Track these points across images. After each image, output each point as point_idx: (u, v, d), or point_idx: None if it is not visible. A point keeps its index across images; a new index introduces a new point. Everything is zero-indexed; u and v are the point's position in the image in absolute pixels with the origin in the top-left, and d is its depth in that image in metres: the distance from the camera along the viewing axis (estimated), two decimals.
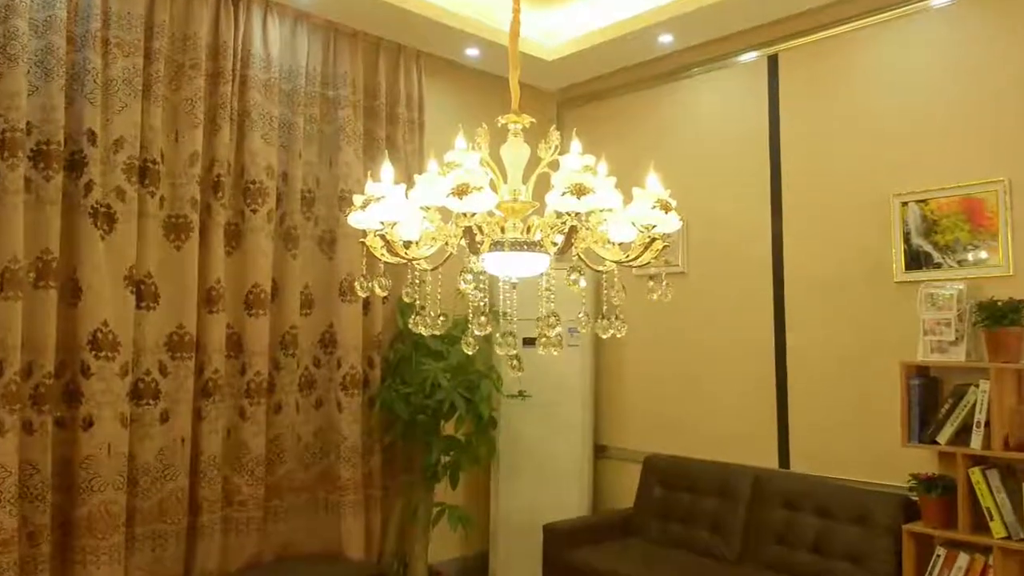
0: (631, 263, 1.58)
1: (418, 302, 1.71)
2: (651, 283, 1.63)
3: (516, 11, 1.80)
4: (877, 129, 3.27)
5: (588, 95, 4.41)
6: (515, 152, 1.67)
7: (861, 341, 3.25)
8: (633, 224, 1.53)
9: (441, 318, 1.67)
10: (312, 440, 3.50)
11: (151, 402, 2.98)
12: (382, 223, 1.53)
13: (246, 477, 3.22)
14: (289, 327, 3.38)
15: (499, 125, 1.70)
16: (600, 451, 4.17)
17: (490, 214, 1.58)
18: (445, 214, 1.55)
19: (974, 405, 2.73)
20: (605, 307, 1.63)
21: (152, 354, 3.00)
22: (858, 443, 3.24)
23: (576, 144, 1.57)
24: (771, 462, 3.52)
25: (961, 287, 2.86)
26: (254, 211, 3.27)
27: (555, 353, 1.56)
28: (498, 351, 1.53)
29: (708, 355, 3.79)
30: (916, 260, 3.09)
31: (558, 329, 1.53)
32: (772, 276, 3.58)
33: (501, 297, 1.68)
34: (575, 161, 1.53)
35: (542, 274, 1.63)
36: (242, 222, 3.28)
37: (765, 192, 3.61)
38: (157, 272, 3.02)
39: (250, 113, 3.28)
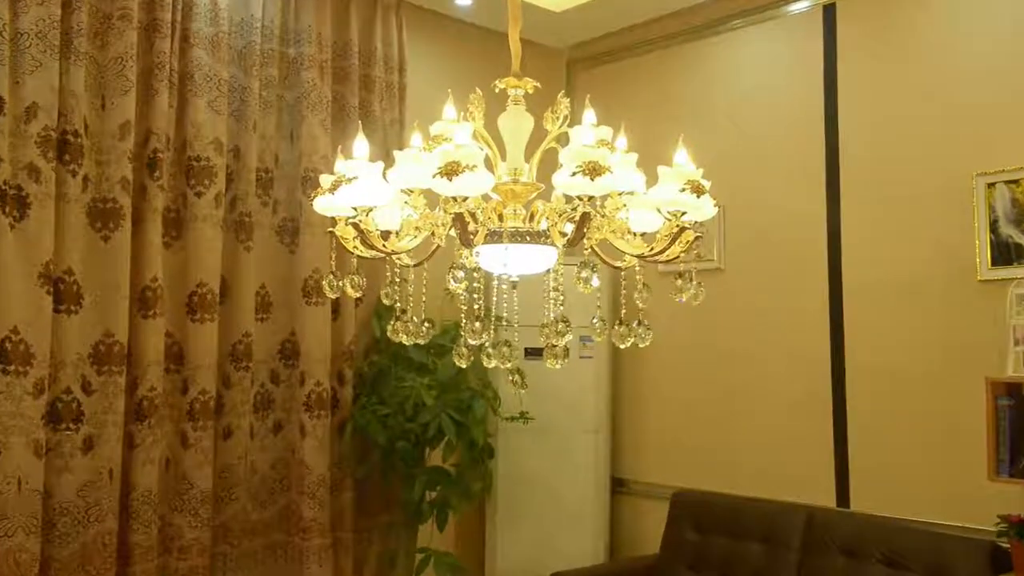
0: (656, 257, 1.59)
1: (399, 305, 1.72)
2: (679, 282, 1.63)
3: None
4: (958, 95, 3.24)
5: (604, 54, 4.40)
6: (516, 123, 1.68)
7: (936, 353, 3.25)
8: (658, 210, 1.54)
9: (426, 324, 1.69)
10: (269, 472, 3.51)
11: (72, 426, 2.96)
12: (355, 209, 1.53)
13: (188, 518, 3.20)
14: (242, 335, 3.39)
15: (496, 91, 1.70)
16: (619, 486, 4.19)
17: (485, 198, 1.59)
18: (431, 198, 1.55)
19: None
20: (624, 311, 1.64)
21: (74, 368, 2.98)
22: (934, 477, 3.23)
23: (590, 113, 1.57)
24: (827, 499, 3.51)
25: None
26: (199, 194, 3.26)
27: (560, 367, 1.57)
28: (495, 364, 1.55)
29: (749, 369, 3.80)
30: (1005, 254, 3.07)
31: (568, 338, 1.53)
32: (828, 274, 3.57)
33: (498, 299, 1.70)
34: (588, 134, 1.53)
35: (548, 271, 1.64)
36: (184, 208, 3.27)
37: (819, 172, 3.61)
38: (80, 268, 3.00)
39: (193, 75, 3.26)
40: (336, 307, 3.63)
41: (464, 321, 1.58)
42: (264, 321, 3.50)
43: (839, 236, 3.54)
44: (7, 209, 2.81)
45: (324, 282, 1.71)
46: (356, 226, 1.55)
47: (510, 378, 1.62)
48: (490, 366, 1.55)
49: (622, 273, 1.67)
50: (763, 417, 3.72)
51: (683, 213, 1.51)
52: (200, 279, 3.25)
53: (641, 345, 1.62)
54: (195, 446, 3.22)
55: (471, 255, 1.60)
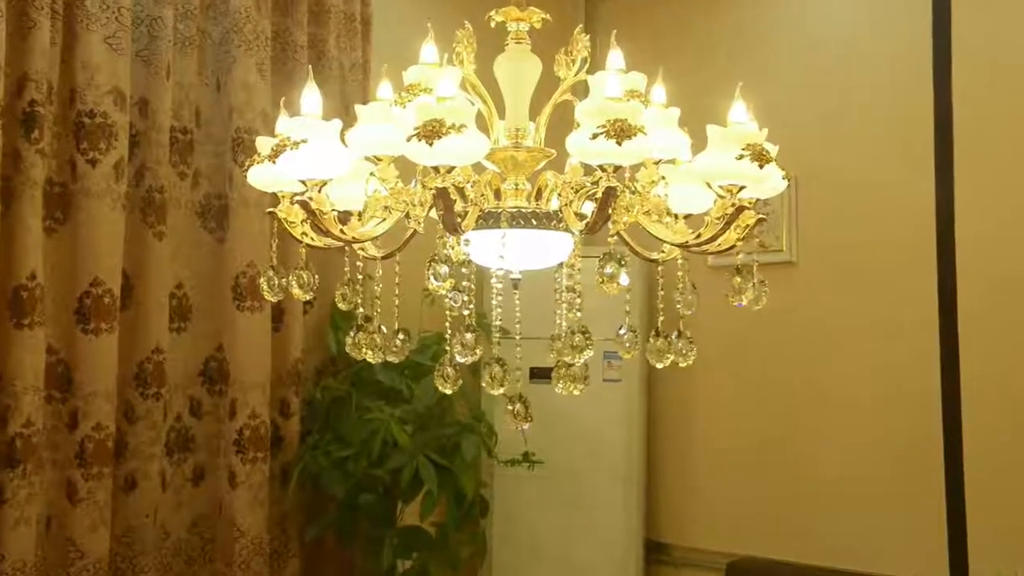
0: (705, 247, 1.59)
1: (361, 310, 1.73)
2: (737, 280, 1.63)
3: None
4: None
5: None
6: (518, 68, 1.69)
7: None
8: (708, 184, 1.54)
9: (399, 337, 1.71)
10: (187, 536, 3.48)
11: None
12: (303, 183, 1.54)
13: None
14: (151, 350, 3.37)
15: (492, 25, 1.72)
16: (656, 552, 4.22)
17: (478, 169, 1.60)
18: (405, 169, 1.57)
19: None
20: (662, 319, 1.65)
21: None
22: None
23: (616, 55, 1.57)
24: (937, 569, 3.50)
25: None
26: (93, 162, 3.24)
27: (578, 393, 1.60)
28: (488, 389, 1.56)
29: (830, 398, 3.81)
30: None
31: (587, 354, 1.54)
32: (936, 273, 3.60)
33: (494, 303, 1.73)
34: (614, 83, 1.52)
35: (561, 265, 1.66)
36: (73, 180, 3.25)
37: (924, 138, 3.61)
38: None
39: (83, 2, 3.23)
40: (278, 313, 3.63)
41: (449, 332, 1.58)
42: (181, 332, 3.49)
43: (952, 223, 3.56)
44: None
45: (262, 280, 1.69)
46: (305, 205, 1.54)
47: (508, 408, 1.61)
48: (492, 392, 1.56)
49: (659, 268, 1.68)
50: (848, 462, 3.73)
51: (741, 188, 1.51)
52: (94, 276, 3.23)
53: (683, 364, 1.64)
54: (86, 500, 3.18)
55: (458, 244, 1.58)
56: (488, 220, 1.58)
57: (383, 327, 1.70)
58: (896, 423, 3.66)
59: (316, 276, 1.69)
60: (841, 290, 3.83)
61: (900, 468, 3.64)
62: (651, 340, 1.66)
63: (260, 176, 1.59)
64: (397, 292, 1.69)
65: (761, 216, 1.56)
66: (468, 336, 1.55)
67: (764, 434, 3.99)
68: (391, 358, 1.70)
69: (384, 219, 1.62)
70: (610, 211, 1.49)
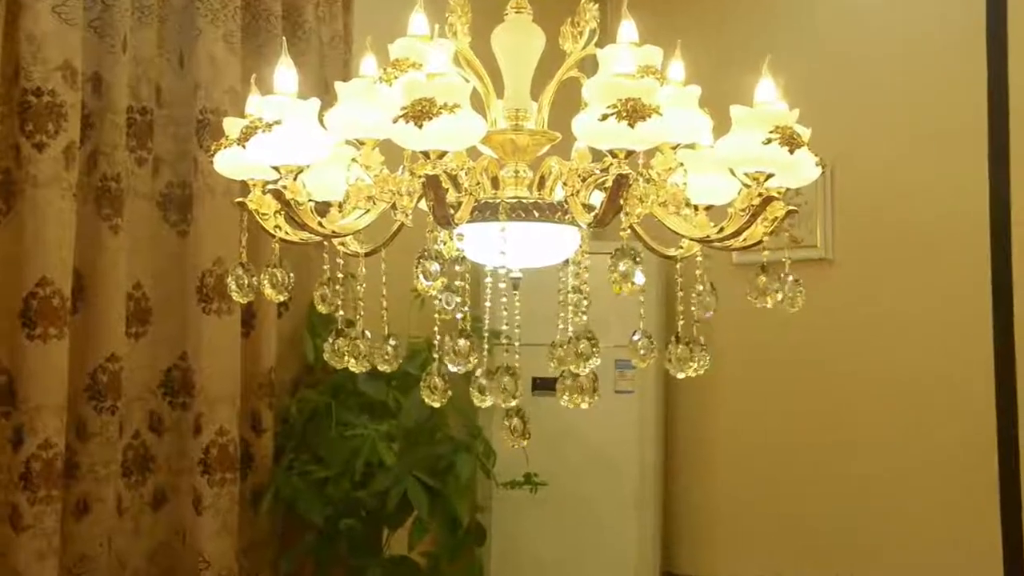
0: (728, 242, 1.59)
1: (343, 313, 1.75)
2: (762, 279, 1.64)
3: None
4: None
5: None
6: (519, 41, 1.71)
7: None
8: (732, 172, 1.54)
9: (392, 343, 1.73)
10: (146, 566, 3.49)
11: None
12: (277, 169, 1.53)
13: None
14: (106, 359, 3.37)
15: None
16: None
17: (473, 154, 1.61)
18: (392, 154, 1.57)
19: None
20: (682, 322, 1.67)
21: None
22: None
23: (628, 27, 1.58)
24: None
25: None
26: (40, 146, 3.23)
27: (586, 407, 1.62)
28: (478, 402, 1.60)
29: (870, 411, 3.79)
30: None
31: (595, 363, 1.56)
32: (991, 272, 3.59)
33: (491, 305, 1.72)
34: (626, 57, 1.52)
35: (566, 263, 1.68)
36: (17, 167, 3.25)
37: (977, 120, 3.59)
38: None
39: None
40: (249, 317, 3.64)
41: (440, 338, 1.59)
42: (140, 338, 3.49)
43: (1007, 211, 3.55)
44: None
45: (230, 279, 1.68)
46: (279, 195, 1.54)
47: (505, 423, 1.62)
48: (483, 405, 1.58)
49: (678, 266, 1.71)
50: (893, 481, 3.72)
51: (769, 176, 1.51)
52: (42, 275, 3.22)
53: (694, 374, 1.65)
54: (33, 528, 3.17)
55: (451, 239, 1.60)
56: (484, 212, 1.59)
57: (367, 332, 1.71)
58: (945, 434, 3.64)
59: (291, 275, 1.67)
60: (883, 290, 3.81)
61: (949, 486, 3.62)
62: (669, 347, 1.65)
63: (228, 162, 1.60)
64: (384, 293, 1.70)
65: (792, 208, 1.56)
66: (461, 342, 1.55)
67: (796, 452, 3.98)
68: (383, 367, 1.72)
69: (367, 211, 1.62)
70: (622, 202, 1.49)
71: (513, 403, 1.59)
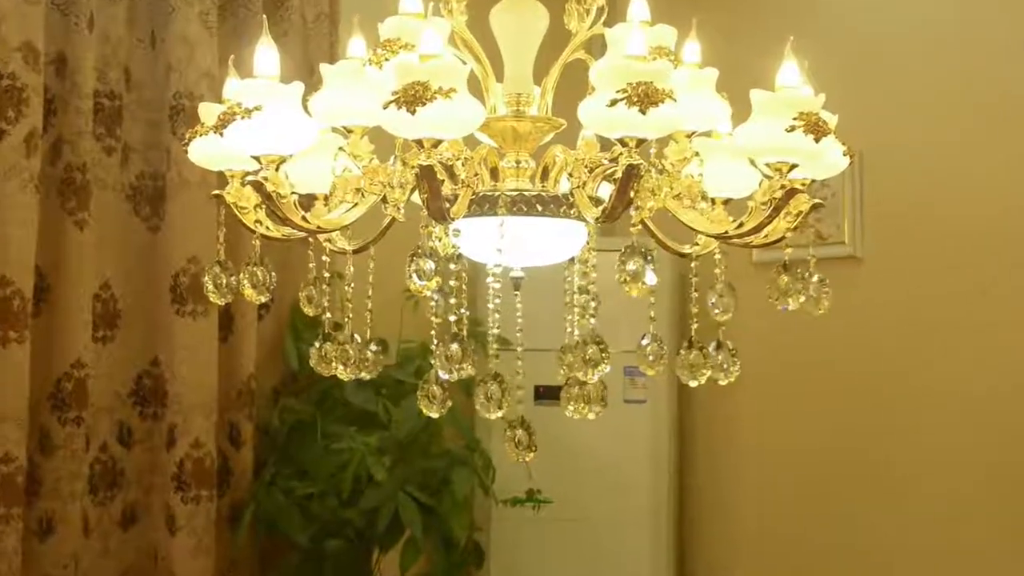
0: (748, 238, 1.59)
1: (329, 316, 1.77)
2: (784, 279, 1.64)
3: None
4: None
5: None
6: (520, 21, 1.73)
7: None
8: (752, 162, 1.55)
9: (372, 348, 1.75)
10: None
11: None
12: (258, 159, 1.53)
13: None
14: (71, 365, 3.39)
15: None
16: None
17: (470, 143, 1.62)
18: (382, 142, 1.58)
19: None
20: (696, 325, 1.69)
21: None
22: None
23: (639, 4, 1.62)
24: None
25: None
26: None
27: (593, 417, 1.63)
28: (483, 412, 1.62)
29: (906, 424, 3.83)
30: None
31: (604, 370, 1.56)
32: None
33: (490, 307, 1.74)
34: (637, 38, 1.50)
35: (572, 261, 1.71)
36: None
37: (1021, 105, 3.60)
38: None
39: None
40: (227, 319, 3.68)
41: (436, 343, 1.60)
42: (108, 342, 3.51)
43: None
44: None
45: (207, 278, 1.68)
46: (259, 187, 1.54)
47: (507, 435, 1.63)
48: (488, 416, 1.59)
49: (693, 264, 1.72)
50: (931, 500, 3.74)
51: (792, 167, 1.51)
52: (1, 274, 3.24)
53: (723, 382, 1.66)
54: None
55: (446, 235, 1.59)
56: (483, 205, 1.60)
57: (356, 336, 1.72)
58: (989, 450, 3.64)
59: (273, 274, 1.68)
60: (917, 290, 3.81)
61: (995, 504, 3.62)
62: (682, 352, 1.67)
63: (204, 151, 1.60)
64: (372, 294, 1.73)
65: (817, 201, 1.56)
66: (453, 347, 1.57)
67: (824, 467, 3.99)
68: (362, 374, 1.72)
69: (356, 204, 1.62)
70: (632, 195, 1.49)
71: (500, 414, 1.61)
